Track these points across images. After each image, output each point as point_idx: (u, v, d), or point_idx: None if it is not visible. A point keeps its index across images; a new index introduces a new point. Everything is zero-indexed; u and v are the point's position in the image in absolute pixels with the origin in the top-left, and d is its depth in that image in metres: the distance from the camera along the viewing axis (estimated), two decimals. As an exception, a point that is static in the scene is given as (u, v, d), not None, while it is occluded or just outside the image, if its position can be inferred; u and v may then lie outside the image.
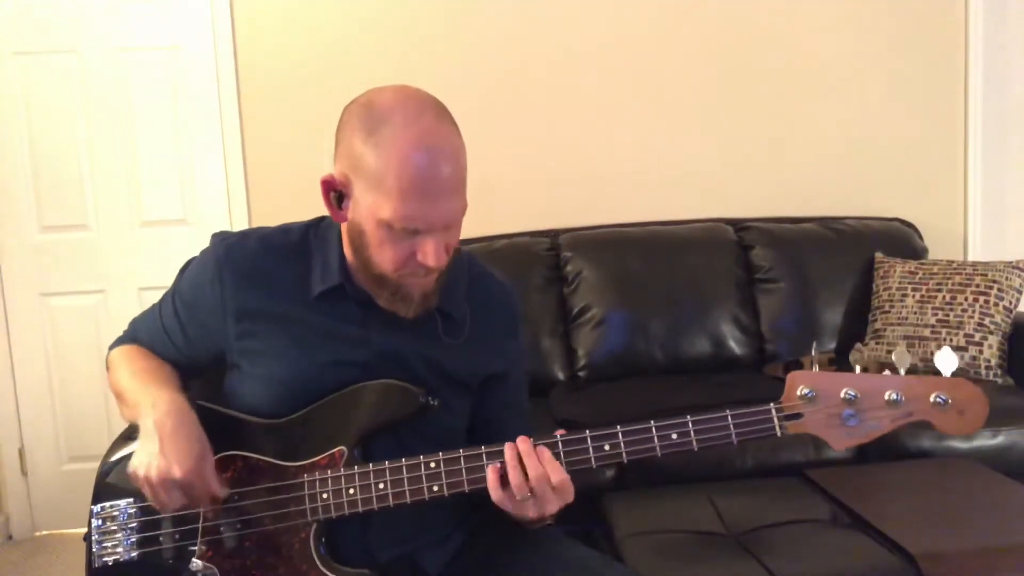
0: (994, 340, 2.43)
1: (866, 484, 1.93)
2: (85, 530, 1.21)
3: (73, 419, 2.97)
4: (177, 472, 1.07)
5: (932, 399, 1.04)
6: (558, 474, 1.06)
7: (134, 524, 1.17)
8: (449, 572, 1.23)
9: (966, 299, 2.49)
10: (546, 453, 1.07)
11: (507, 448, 1.07)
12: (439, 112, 1.08)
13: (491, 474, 1.07)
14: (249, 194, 2.96)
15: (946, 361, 1.05)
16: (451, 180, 1.05)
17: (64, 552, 2.86)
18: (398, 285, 1.12)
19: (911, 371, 1.06)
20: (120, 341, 1.33)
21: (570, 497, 1.08)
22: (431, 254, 1.07)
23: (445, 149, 1.05)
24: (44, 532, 3.01)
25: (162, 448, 1.08)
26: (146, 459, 1.09)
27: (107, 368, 1.32)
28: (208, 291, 1.20)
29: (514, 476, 1.06)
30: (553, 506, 1.08)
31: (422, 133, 1.04)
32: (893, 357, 1.07)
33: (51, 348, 2.96)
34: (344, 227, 1.16)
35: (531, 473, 1.05)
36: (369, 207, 1.06)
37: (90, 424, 2.94)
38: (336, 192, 1.11)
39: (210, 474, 1.11)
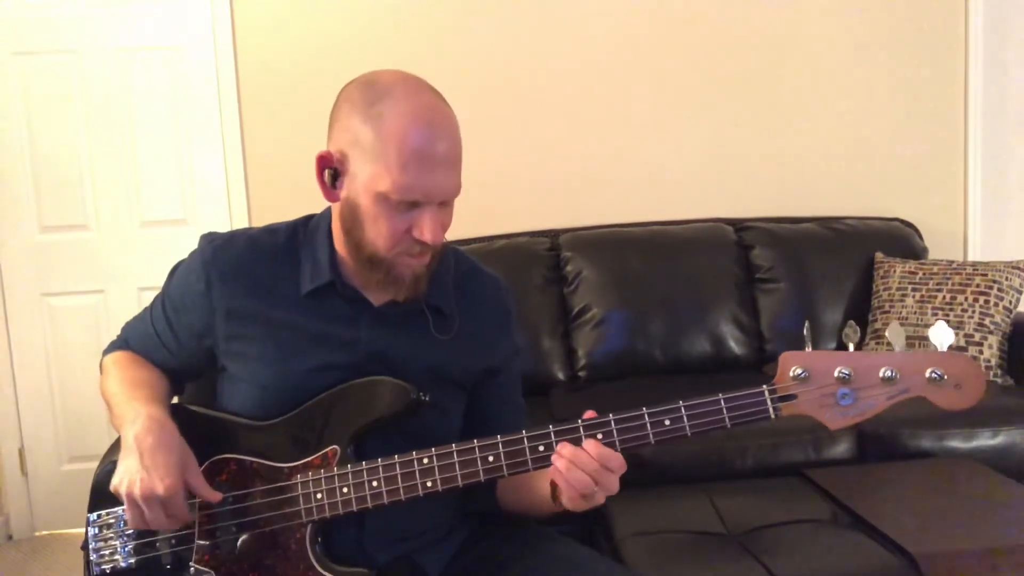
0: (994, 340, 2.43)
1: (866, 484, 1.93)
2: (84, 530, 1.21)
3: (73, 419, 2.97)
4: (159, 488, 1.06)
5: (928, 375, 1.02)
6: (598, 449, 1.04)
7: (131, 531, 1.17)
8: (448, 572, 1.23)
9: (966, 299, 2.49)
10: (592, 445, 1.04)
11: (556, 458, 1.04)
12: (436, 92, 1.10)
13: (558, 479, 1.05)
14: (249, 194, 2.96)
15: (941, 335, 1.03)
16: (449, 154, 1.07)
17: (64, 552, 2.86)
18: (391, 265, 1.11)
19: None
20: (113, 346, 1.32)
21: (623, 467, 1.05)
22: (427, 229, 1.07)
23: (444, 124, 1.07)
24: (44, 532, 3.01)
25: (143, 463, 1.07)
26: (127, 476, 1.07)
27: (101, 373, 1.31)
28: (196, 293, 1.20)
29: (580, 480, 1.03)
30: (615, 485, 1.05)
31: (423, 107, 1.06)
32: (887, 334, 1.05)
33: (51, 348, 2.96)
34: (336, 209, 1.15)
35: (590, 470, 1.03)
36: (366, 180, 1.07)
37: (90, 424, 2.94)
38: (331, 170, 1.11)
39: (197, 483, 1.11)
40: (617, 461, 1.04)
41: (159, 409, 1.15)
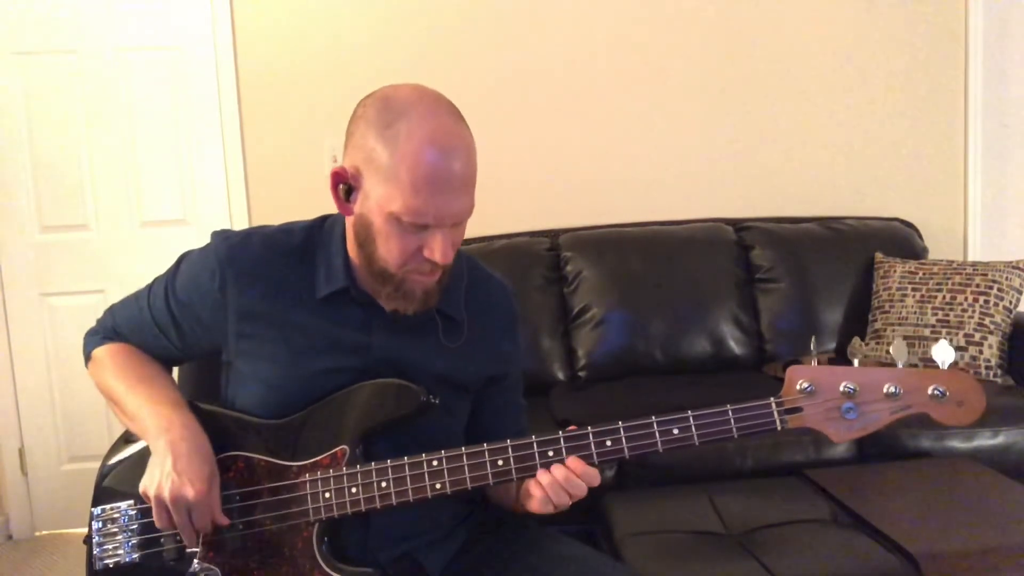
0: (994, 340, 2.43)
1: (866, 484, 1.93)
2: (85, 530, 1.21)
3: (73, 419, 2.97)
4: (190, 491, 1.08)
5: (930, 391, 1.06)
6: (580, 466, 1.09)
7: (135, 526, 1.17)
8: (450, 571, 1.23)
9: (966, 299, 2.49)
10: (579, 467, 1.09)
11: (543, 475, 1.09)
12: (453, 112, 1.09)
13: (537, 497, 1.10)
14: (249, 194, 2.96)
15: (942, 354, 1.07)
16: (462, 177, 1.07)
17: (64, 552, 2.86)
18: (401, 281, 1.12)
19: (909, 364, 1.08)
20: (98, 334, 1.31)
21: (596, 480, 1.10)
22: (438, 250, 1.07)
23: (459, 146, 1.06)
24: (44, 532, 3.01)
25: (176, 467, 1.08)
26: (158, 478, 1.09)
27: (87, 359, 1.31)
28: (208, 289, 1.19)
29: (561, 499, 1.09)
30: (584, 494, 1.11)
31: (438, 129, 1.05)
32: (891, 350, 1.09)
33: (51, 348, 2.96)
34: (349, 223, 1.15)
35: (576, 493, 1.09)
36: (379, 199, 1.07)
37: (90, 424, 2.94)
38: (345, 185, 1.11)
39: (215, 499, 1.12)
40: (596, 480, 1.09)
41: (190, 416, 1.16)
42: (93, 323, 1.36)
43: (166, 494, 1.08)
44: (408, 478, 1.10)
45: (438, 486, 1.10)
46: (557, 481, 1.08)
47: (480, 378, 1.25)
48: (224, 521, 1.12)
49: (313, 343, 1.17)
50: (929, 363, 1.07)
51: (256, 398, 1.19)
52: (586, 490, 1.09)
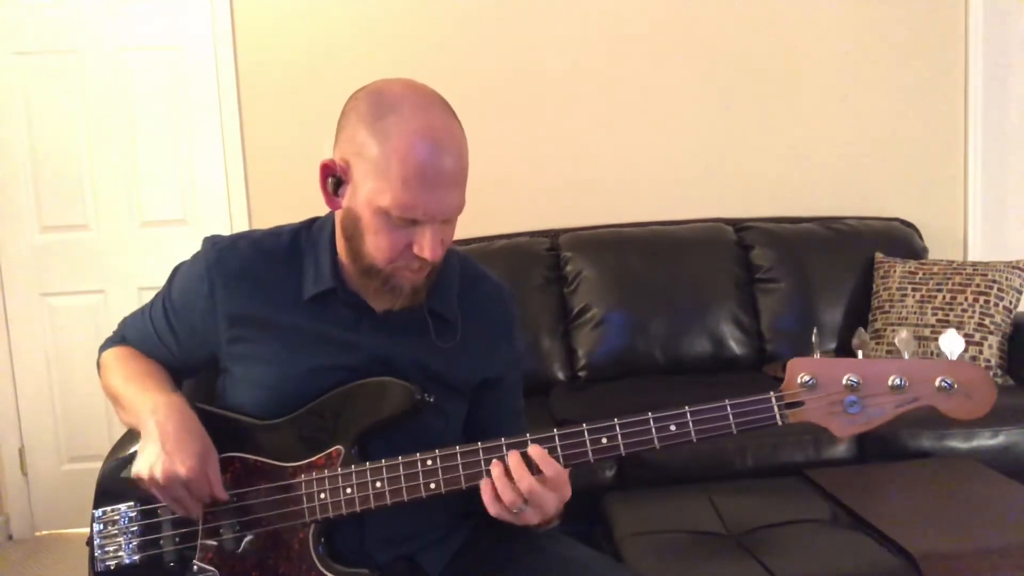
0: (994, 340, 2.43)
1: (866, 484, 1.93)
2: (85, 530, 1.21)
3: (73, 419, 2.97)
4: (182, 469, 1.07)
5: (937, 383, 1.01)
6: (551, 469, 1.04)
7: (135, 528, 1.18)
8: (449, 572, 1.23)
9: (966, 299, 2.49)
10: (537, 452, 1.05)
11: (494, 466, 1.06)
12: (445, 107, 1.09)
13: (486, 490, 1.06)
14: (249, 194, 2.96)
15: (951, 344, 1.01)
16: (453, 173, 1.06)
17: (64, 552, 2.86)
18: (389, 276, 1.11)
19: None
20: (110, 342, 1.33)
21: (567, 492, 1.07)
22: (427, 246, 1.07)
23: (450, 142, 1.06)
24: (44, 532, 3.01)
25: (165, 447, 1.09)
26: (150, 460, 1.09)
27: (99, 369, 1.32)
28: (199, 296, 1.20)
29: (506, 494, 1.04)
30: (551, 506, 1.06)
31: (430, 123, 1.04)
32: (897, 342, 1.04)
33: (51, 348, 2.96)
34: (338, 217, 1.15)
35: (522, 486, 1.04)
36: (368, 193, 1.06)
37: (90, 424, 2.94)
38: (334, 178, 1.11)
39: (213, 474, 1.12)
40: (565, 486, 1.05)
41: (177, 396, 1.16)
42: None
43: (158, 474, 1.08)
44: (403, 478, 1.10)
45: (432, 486, 1.09)
46: (503, 475, 1.03)
47: (473, 379, 1.24)
48: (223, 495, 1.12)
49: (303, 343, 1.17)
50: (930, 362, 1.05)
51: (251, 400, 1.19)
52: (543, 492, 1.03)
